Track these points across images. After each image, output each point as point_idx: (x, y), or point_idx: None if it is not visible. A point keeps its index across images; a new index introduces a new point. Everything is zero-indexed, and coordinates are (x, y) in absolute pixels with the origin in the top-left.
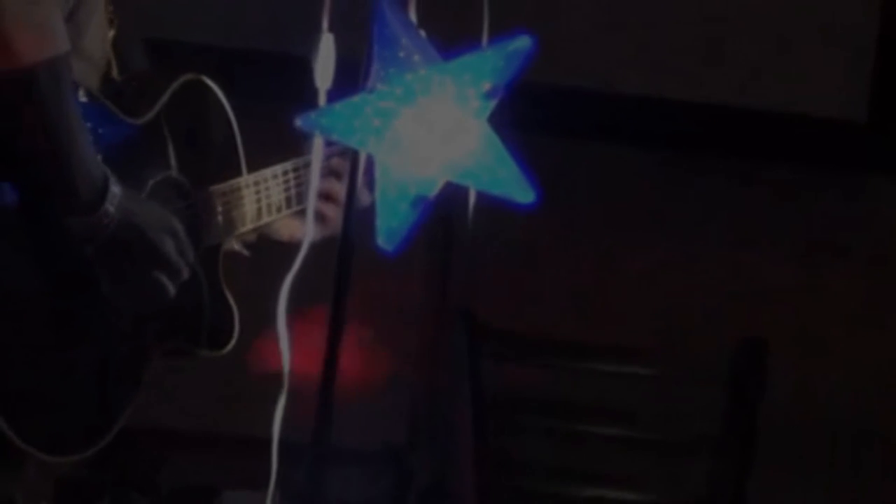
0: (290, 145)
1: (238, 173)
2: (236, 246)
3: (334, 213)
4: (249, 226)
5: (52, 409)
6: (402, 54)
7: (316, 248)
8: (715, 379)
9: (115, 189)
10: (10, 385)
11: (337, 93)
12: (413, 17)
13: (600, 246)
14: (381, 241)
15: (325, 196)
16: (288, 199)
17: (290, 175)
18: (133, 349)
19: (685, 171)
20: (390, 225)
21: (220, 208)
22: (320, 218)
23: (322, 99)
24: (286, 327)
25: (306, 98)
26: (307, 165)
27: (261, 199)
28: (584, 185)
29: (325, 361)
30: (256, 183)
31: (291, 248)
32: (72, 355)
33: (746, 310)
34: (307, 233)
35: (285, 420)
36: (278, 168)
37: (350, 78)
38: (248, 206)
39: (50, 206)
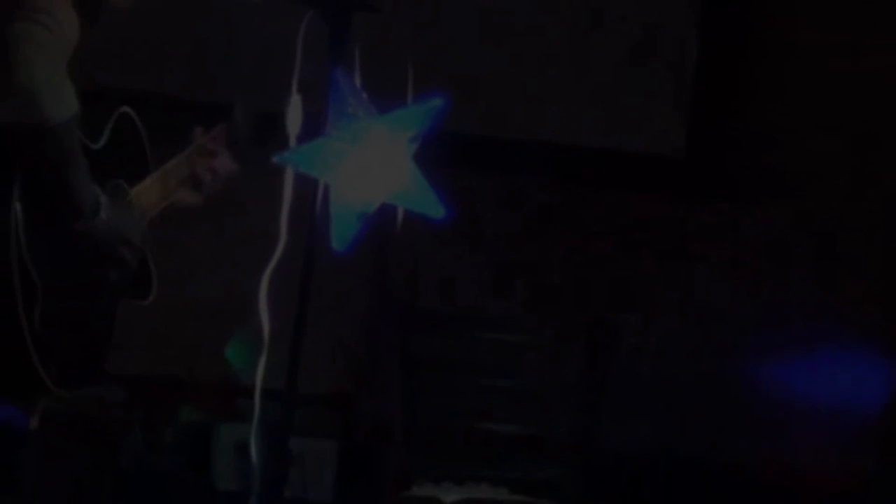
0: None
1: (148, 171)
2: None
3: (210, 182)
4: (164, 203)
5: (73, 349)
6: (350, 110)
7: (288, 249)
8: (576, 345)
9: (104, 202)
10: (42, 338)
11: (303, 137)
12: (358, 82)
13: (497, 247)
14: (335, 244)
15: (211, 170)
16: (182, 181)
17: (182, 166)
18: (110, 306)
19: (555, 194)
20: (341, 233)
21: (143, 197)
22: (199, 184)
23: (292, 142)
24: (266, 306)
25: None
26: (188, 155)
27: (165, 184)
28: (485, 204)
29: (293, 330)
30: (161, 177)
31: (271, 247)
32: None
33: (608, 293)
34: (281, 236)
35: (266, 371)
36: (171, 162)
37: (312, 126)
38: (156, 192)
39: (61, 216)
